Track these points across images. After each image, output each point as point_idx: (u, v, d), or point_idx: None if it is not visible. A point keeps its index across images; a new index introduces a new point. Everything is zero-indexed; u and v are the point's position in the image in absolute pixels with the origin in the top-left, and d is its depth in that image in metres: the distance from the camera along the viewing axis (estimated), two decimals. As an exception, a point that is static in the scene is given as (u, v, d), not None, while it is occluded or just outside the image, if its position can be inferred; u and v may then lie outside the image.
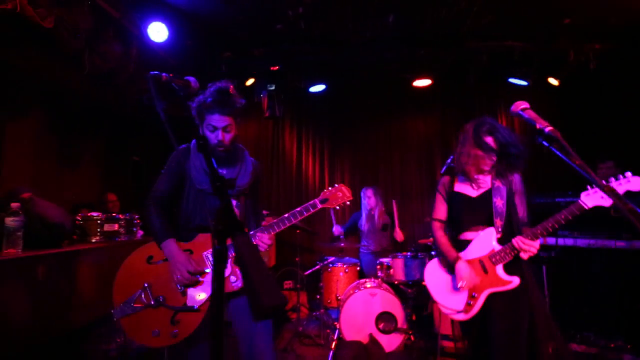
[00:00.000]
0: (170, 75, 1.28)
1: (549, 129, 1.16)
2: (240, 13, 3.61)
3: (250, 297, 0.78)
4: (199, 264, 1.55)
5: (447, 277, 1.88)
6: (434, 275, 1.94)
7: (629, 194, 1.57)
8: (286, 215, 1.61)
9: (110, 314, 2.66)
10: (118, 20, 3.36)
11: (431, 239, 3.78)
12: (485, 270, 1.75)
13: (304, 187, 5.05)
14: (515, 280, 1.69)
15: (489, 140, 1.79)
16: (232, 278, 1.56)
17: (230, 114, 1.58)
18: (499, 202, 1.79)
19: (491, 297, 1.74)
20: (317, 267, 3.63)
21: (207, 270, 1.55)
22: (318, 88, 4.47)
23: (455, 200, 1.89)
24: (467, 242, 1.84)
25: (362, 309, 3.04)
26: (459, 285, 1.74)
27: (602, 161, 3.33)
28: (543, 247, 3.21)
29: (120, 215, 2.49)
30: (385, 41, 3.96)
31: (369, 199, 3.83)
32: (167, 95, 1.21)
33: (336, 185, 1.68)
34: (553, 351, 2.06)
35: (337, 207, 1.64)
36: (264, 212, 1.71)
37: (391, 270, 3.26)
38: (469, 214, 1.86)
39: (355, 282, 3.34)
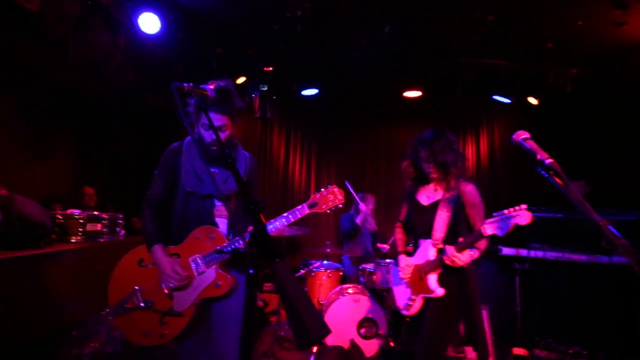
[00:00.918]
0: (191, 85, 1.25)
1: (549, 160, 1.21)
2: (237, 11, 3.55)
3: (296, 328, 0.80)
4: (185, 268, 1.56)
5: (397, 271, 2.06)
6: (393, 274, 2.13)
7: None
8: (272, 220, 1.59)
9: (83, 319, 2.57)
10: (107, 8, 3.22)
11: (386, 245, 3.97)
12: (420, 277, 1.91)
13: (289, 189, 5.06)
14: (439, 291, 1.81)
15: (424, 152, 1.89)
16: (218, 283, 1.56)
17: (227, 114, 1.57)
18: (443, 215, 1.87)
19: (425, 305, 1.91)
20: (302, 272, 3.66)
21: (195, 274, 1.57)
22: (311, 92, 4.47)
23: (411, 206, 2.03)
24: (417, 248, 2.00)
25: (344, 315, 3.10)
26: (399, 274, 1.95)
27: (575, 180, 3.57)
28: (517, 259, 3.40)
29: (103, 215, 2.40)
30: (380, 50, 4.03)
31: (367, 205, 3.91)
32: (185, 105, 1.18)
33: (328, 186, 1.60)
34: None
35: (328, 211, 1.60)
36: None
37: (374, 277, 3.35)
38: (419, 221, 1.99)
39: (338, 288, 3.40)
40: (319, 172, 5.19)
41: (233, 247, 1.54)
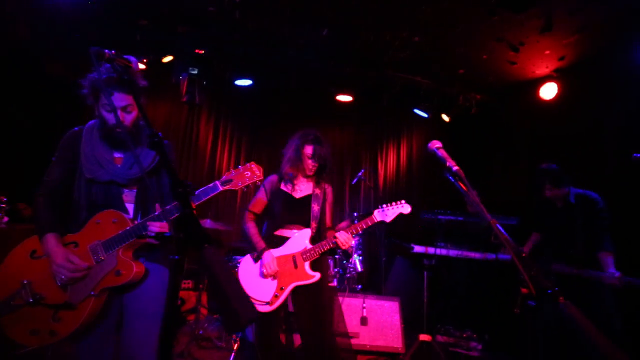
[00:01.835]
0: (113, 52, 1.11)
1: (455, 167, 1.43)
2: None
3: (225, 313, 0.76)
4: (83, 257, 1.41)
5: (255, 268, 2.11)
6: (245, 269, 2.14)
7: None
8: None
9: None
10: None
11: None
12: (295, 265, 2.03)
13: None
14: (317, 275, 2.04)
15: (309, 149, 2.12)
16: (119, 271, 1.42)
17: (131, 92, 1.42)
18: (316, 208, 2.15)
19: (295, 291, 2.02)
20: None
21: (94, 263, 1.42)
22: (244, 82, 4.33)
23: (279, 198, 2.17)
24: (283, 239, 2.12)
25: (268, 310, 3.07)
26: (264, 272, 1.98)
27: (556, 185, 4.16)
28: (425, 256, 3.80)
29: (-20, 196, 1.94)
30: (317, 52, 4.12)
31: None
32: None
33: (246, 164, 1.52)
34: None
35: (245, 188, 1.50)
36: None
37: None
38: (288, 212, 2.16)
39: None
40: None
41: (138, 231, 1.40)
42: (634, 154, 2.06)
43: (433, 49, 3.99)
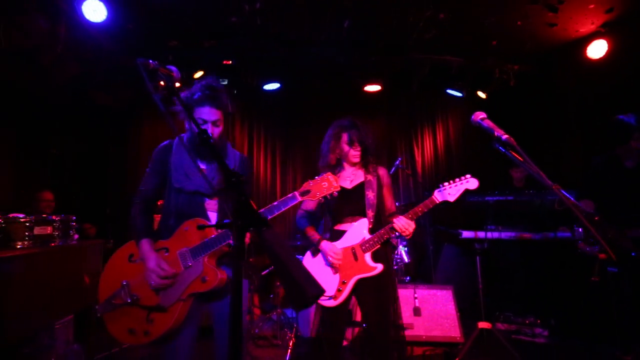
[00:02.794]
0: (156, 62, 1.18)
1: (505, 136, 1.34)
2: (192, 2, 3.40)
3: (291, 290, 0.78)
4: (172, 265, 1.51)
5: (315, 262, 2.03)
6: (307, 264, 2.07)
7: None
8: (262, 210, 1.55)
9: (33, 333, 2.31)
10: (44, -9, 2.92)
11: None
12: (355, 258, 1.93)
13: (255, 185, 4.95)
14: (380, 267, 1.91)
15: (345, 137, 2.03)
16: (205, 278, 1.49)
17: (220, 108, 1.58)
18: (371, 195, 2.02)
19: (360, 285, 1.93)
20: (272, 267, 3.59)
21: (182, 268, 1.52)
22: (272, 86, 4.42)
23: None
24: (341, 232, 2.01)
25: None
26: (330, 260, 1.91)
27: (516, 166, 3.91)
28: (475, 240, 3.62)
29: (53, 217, 2.16)
30: (340, 45, 4.09)
31: None
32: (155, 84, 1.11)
33: (322, 174, 1.58)
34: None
35: (322, 199, 1.56)
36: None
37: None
38: (344, 205, 2.04)
39: (311, 280, 3.39)
40: (284, 167, 5.14)
41: (222, 239, 1.49)
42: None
43: (461, 23, 3.79)
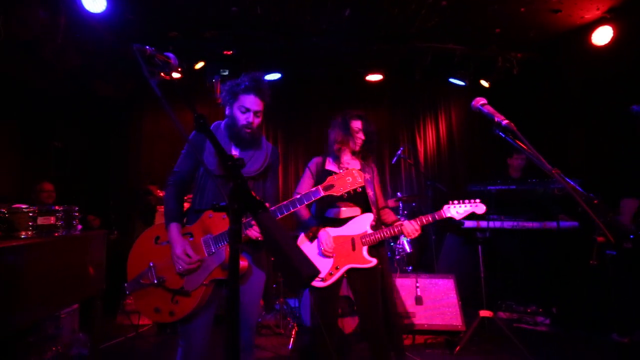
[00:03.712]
0: (153, 49, 1.17)
1: (505, 122, 1.34)
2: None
3: (286, 271, 0.79)
4: (197, 250, 1.56)
5: (311, 247, 2.10)
6: (304, 248, 2.12)
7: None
8: (284, 203, 1.58)
9: (38, 322, 2.34)
10: (42, -19, 2.90)
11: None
12: (353, 248, 2.02)
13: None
14: (374, 261, 2.00)
15: (357, 123, 2.11)
16: (226, 265, 1.53)
17: (263, 100, 1.65)
18: (371, 193, 2.11)
19: (350, 273, 2.03)
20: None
21: (206, 255, 1.57)
22: (273, 76, 4.39)
23: (325, 177, 2.06)
24: (342, 220, 2.08)
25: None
26: (322, 249, 1.99)
27: (518, 152, 3.89)
28: (477, 230, 3.62)
29: (56, 207, 2.17)
30: (341, 34, 4.05)
31: None
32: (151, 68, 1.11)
33: (347, 168, 1.64)
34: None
35: (345, 195, 1.59)
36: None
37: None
38: None
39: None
40: (287, 157, 5.14)
41: (244, 228, 1.52)
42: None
43: (463, 11, 3.73)
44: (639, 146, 2.56)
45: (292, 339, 3.04)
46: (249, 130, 1.63)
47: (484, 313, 3.02)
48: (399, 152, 3.82)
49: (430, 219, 2.01)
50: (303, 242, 2.13)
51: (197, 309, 1.55)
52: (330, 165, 2.15)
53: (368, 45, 4.17)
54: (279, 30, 3.98)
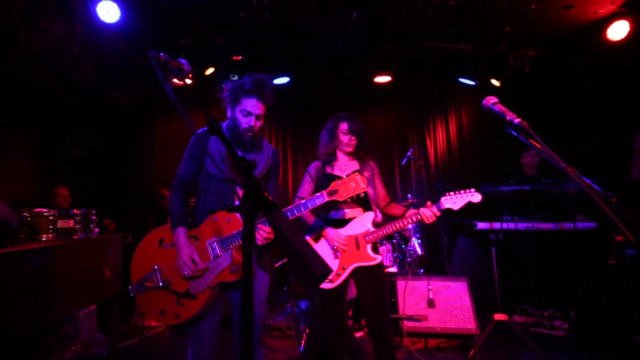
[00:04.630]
0: (167, 55, 1.21)
1: (517, 120, 1.32)
2: (202, -1, 3.44)
3: (299, 270, 0.79)
4: (202, 254, 1.57)
5: (318, 248, 2.08)
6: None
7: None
8: (289, 207, 1.58)
9: (58, 322, 2.41)
10: (60, -5, 3.02)
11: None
12: (357, 246, 2.04)
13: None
14: (379, 258, 2.04)
15: (344, 126, 2.12)
16: (233, 268, 1.54)
17: (266, 103, 1.63)
18: (370, 191, 2.13)
19: (357, 272, 2.03)
20: (286, 259, 3.63)
21: (211, 258, 1.58)
22: (282, 80, 4.44)
23: (325, 180, 2.08)
24: (346, 221, 2.08)
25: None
26: (335, 245, 1.99)
27: (527, 150, 3.81)
28: (492, 231, 3.56)
29: (75, 210, 2.25)
30: (349, 36, 4.07)
31: None
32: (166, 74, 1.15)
33: (351, 173, 1.63)
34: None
35: (349, 200, 1.59)
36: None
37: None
38: None
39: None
40: (296, 161, 5.18)
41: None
42: None
43: (472, 10, 3.70)
44: None
45: (303, 341, 3.04)
46: (250, 134, 1.63)
47: (499, 316, 2.96)
48: (409, 153, 3.80)
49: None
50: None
51: (202, 311, 1.56)
52: (329, 169, 2.15)
53: (376, 46, 4.17)
54: (287, 34, 4.02)
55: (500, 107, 1.38)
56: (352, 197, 1.59)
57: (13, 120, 3.85)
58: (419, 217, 2.01)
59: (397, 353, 2.83)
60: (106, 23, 3.26)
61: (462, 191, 2.05)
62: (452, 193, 2.05)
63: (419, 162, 4.52)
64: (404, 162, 3.87)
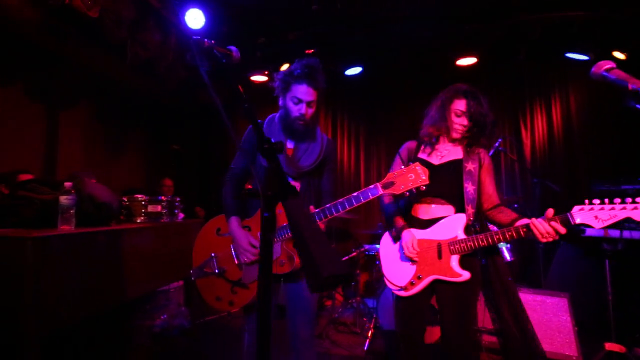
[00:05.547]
0: (212, 42, 1.23)
1: None
2: (276, -3, 3.54)
3: (306, 266, 0.71)
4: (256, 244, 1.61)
5: (394, 248, 1.79)
6: (385, 248, 1.84)
7: None
8: (340, 200, 1.47)
9: (153, 292, 2.77)
10: (158, 10, 3.44)
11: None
12: (439, 255, 1.63)
13: (338, 175, 4.98)
14: (465, 275, 1.59)
15: (459, 104, 1.68)
16: (282, 261, 1.54)
17: (317, 89, 1.57)
18: (470, 188, 1.67)
19: (438, 287, 1.67)
20: (354, 254, 3.56)
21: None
22: (354, 71, 4.32)
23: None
24: (431, 221, 1.70)
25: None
26: (405, 252, 1.66)
27: None
28: (604, 240, 2.89)
29: (162, 197, 2.55)
30: (426, 18, 3.72)
31: None
32: (210, 61, 1.17)
33: (410, 164, 1.43)
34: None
35: (407, 193, 1.41)
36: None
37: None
38: (432, 184, 1.58)
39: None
40: (368, 155, 5.02)
41: None
42: None
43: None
44: None
45: (368, 340, 2.95)
46: (302, 122, 1.58)
47: (612, 346, 2.39)
48: (497, 144, 3.32)
49: (555, 225, 1.43)
50: (388, 242, 1.86)
51: (254, 300, 1.58)
52: (423, 154, 1.79)
53: (458, 26, 3.73)
54: (360, 23, 3.88)
55: (618, 74, 1.03)
56: (410, 191, 1.40)
57: (128, 124, 4.61)
58: (529, 232, 1.46)
59: (473, 370, 2.51)
60: (193, 30, 3.61)
61: (616, 201, 1.36)
62: (594, 202, 1.38)
63: (511, 156, 3.93)
64: (491, 154, 3.39)
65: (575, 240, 3.39)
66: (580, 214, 1.40)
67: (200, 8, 3.53)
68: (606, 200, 1.37)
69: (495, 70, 4.46)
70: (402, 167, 1.43)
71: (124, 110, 4.54)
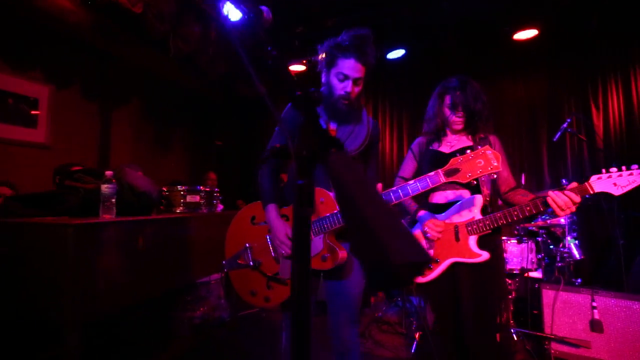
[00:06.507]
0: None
1: None
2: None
3: (364, 250, 0.47)
4: None
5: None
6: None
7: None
8: (392, 189, 1.33)
9: (195, 284, 2.79)
10: (198, 3, 3.45)
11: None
12: (457, 238, 1.59)
13: (380, 164, 4.75)
14: (485, 255, 1.54)
15: (448, 99, 1.72)
16: (325, 256, 1.38)
17: (366, 65, 1.40)
18: None
19: (457, 270, 1.60)
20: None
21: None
22: (397, 54, 4.06)
23: (426, 158, 1.77)
24: (445, 206, 1.66)
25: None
26: (428, 233, 1.60)
27: None
28: None
29: (201, 187, 2.54)
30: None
31: None
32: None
33: (478, 147, 1.26)
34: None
35: (474, 182, 1.28)
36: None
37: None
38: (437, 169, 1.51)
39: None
40: (412, 143, 4.74)
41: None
42: None
43: None
44: None
45: (415, 342, 2.73)
46: (346, 102, 1.40)
47: None
48: (565, 125, 2.90)
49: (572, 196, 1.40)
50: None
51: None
52: (435, 145, 1.79)
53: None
54: (402, 2, 3.61)
55: None
56: (477, 179, 1.27)
57: (174, 121, 4.77)
58: (546, 205, 1.41)
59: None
60: (232, 22, 3.59)
61: (636, 167, 1.37)
62: (610, 170, 1.39)
63: (581, 137, 3.44)
64: (557, 137, 2.98)
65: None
66: (598, 183, 1.40)
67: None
68: (623, 167, 1.39)
69: (559, 43, 3.93)
70: (468, 151, 1.26)
71: (169, 108, 4.69)
